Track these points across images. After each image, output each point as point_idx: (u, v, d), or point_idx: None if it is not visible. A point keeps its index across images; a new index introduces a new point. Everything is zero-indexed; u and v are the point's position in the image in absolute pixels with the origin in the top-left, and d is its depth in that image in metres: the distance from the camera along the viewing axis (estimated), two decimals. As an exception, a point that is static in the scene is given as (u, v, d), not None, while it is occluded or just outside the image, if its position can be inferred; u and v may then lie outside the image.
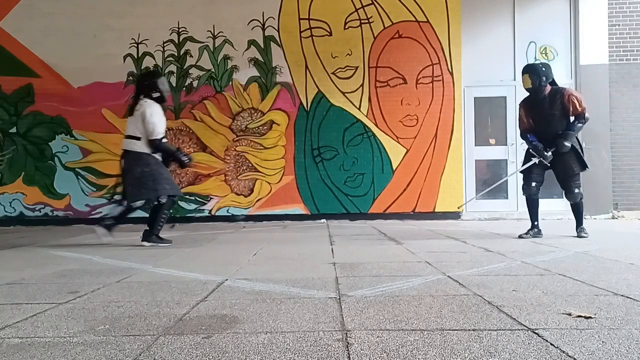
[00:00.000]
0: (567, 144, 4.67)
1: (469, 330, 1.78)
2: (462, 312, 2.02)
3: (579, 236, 4.79)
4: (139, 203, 4.62)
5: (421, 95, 7.64)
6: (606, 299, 2.22)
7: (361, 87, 7.65)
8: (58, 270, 3.28)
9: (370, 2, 7.66)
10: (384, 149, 7.61)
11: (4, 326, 1.95)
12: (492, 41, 7.76)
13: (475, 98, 7.82)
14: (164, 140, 4.62)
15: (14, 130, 7.71)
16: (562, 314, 1.98)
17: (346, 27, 7.67)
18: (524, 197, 5.08)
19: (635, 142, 7.68)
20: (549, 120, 4.76)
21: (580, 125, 4.74)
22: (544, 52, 7.74)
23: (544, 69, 4.79)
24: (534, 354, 1.53)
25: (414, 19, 7.63)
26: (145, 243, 4.66)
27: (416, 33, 7.64)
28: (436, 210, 7.56)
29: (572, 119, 4.75)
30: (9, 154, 7.71)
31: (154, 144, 4.52)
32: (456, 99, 7.62)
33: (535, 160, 4.86)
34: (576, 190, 4.78)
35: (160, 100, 4.62)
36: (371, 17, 7.66)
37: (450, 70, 7.61)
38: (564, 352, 1.54)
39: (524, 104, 5.01)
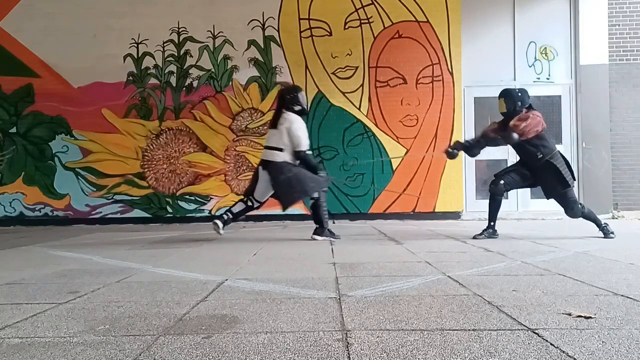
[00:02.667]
0: (488, 145, 4.86)
1: (469, 330, 1.79)
2: (462, 312, 2.02)
3: (606, 237, 4.72)
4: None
5: (421, 95, 7.63)
6: (606, 299, 2.22)
7: (361, 87, 7.65)
8: (58, 270, 3.28)
9: (370, 2, 7.66)
10: (384, 149, 7.61)
11: (4, 326, 1.95)
12: (492, 41, 7.76)
13: (475, 98, 7.82)
14: (308, 152, 4.95)
15: (14, 130, 7.71)
16: (562, 314, 1.98)
17: (346, 27, 7.67)
18: (489, 193, 5.00)
19: (635, 142, 7.68)
20: (521, 145, 4.74)
21: (506, 136, 4.66)
22: (544, 52, 7.75)
23: (519, 94, 4.77)
24: (534, 354, 1.53)
25: (414, 19, 7.63)
26: (317, 237, 4.92)
27: (416, 33, 7.64)
28: (436, 210, 7.56)
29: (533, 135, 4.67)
30: (9, 154, 7.71)
31: (299, 155, 4.84)
32: (456, 99, 7.62)
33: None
34: (573, 207, 4.74)
35: (301, 113, 4.91)
36: (371, 17, 7.66)
37: (450, 70, 7.61)
38: (564, 352, 1.54)
39: (500, 122, 4.96)
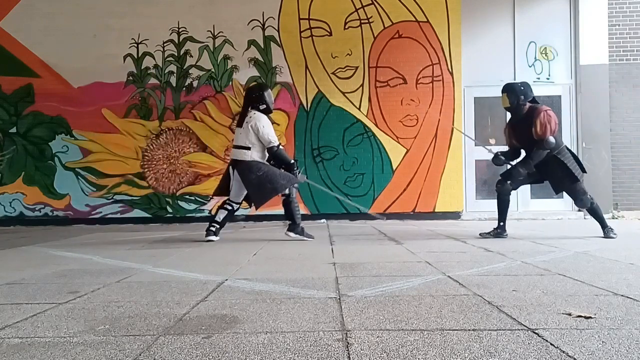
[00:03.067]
0: (522, 169, 4.73)
1: (469, 330, 1.79)
2: (462, 312, 2.02)
3: (606, 236, 4.71)
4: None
5: (421, 95, 7.63)
6: (606, 299, 2.22)
7: (361, 87, 7.65)
8: (58, 270, 3.28)
9: (370, 2, 7.66)
10: (384, 149, 7.61)
11: (4, 326, 1.95)
12: (492, 41, 7.76)
13: (475, 98, 7.82)
14: (281, 147, 4.95)
15: (14, 130, 7.71)
16: (562, 314, 1.98)
17: (346, 27, 7.67)
18: (492, 193, 5.06)
19: (635, 142, 7.68)
20: (525, 140, 4.73)
21: (540, 151, 4.64)
22: (544, 52, 7.74)
23: (522, 87, 4.74)
24: (534, 354, 1.53)
25: (414, 19, 7.63)
26: (290, 234, 4.95)
27: (416, 33, 7.64)
28: (436, 211, 7.56)
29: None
30: (9, 154, 7.71)
31: (272, 152, 4.85)
32: (456, 99, 7.62)
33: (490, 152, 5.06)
34: (582, 197, 4.74)
35: (266, 112, 4.95)
36: (371, 17, 7.66)
37: (450, 70, 7.61)
38: (564, 352, 1.54)
39: (509, 123, 5.00)
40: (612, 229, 4.81)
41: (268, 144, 4.81)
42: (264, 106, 4.92)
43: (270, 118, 5.04)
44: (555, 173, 4.72)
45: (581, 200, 4.76)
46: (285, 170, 4.93)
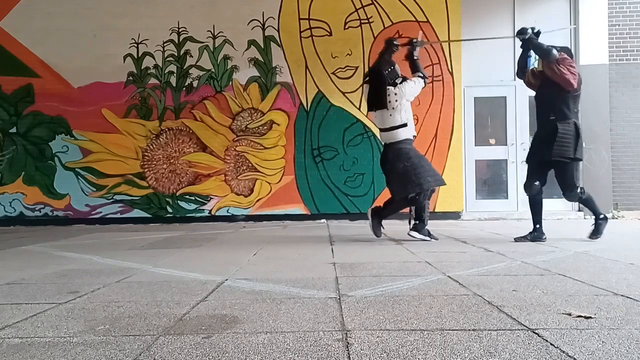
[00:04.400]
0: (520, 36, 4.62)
1: (469, 330, 1.78)
2: (462, 312, 2.02)
3: (593, 234, 4.56)
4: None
5: (421, 95, 7.55)
6: (606, 299, 2.22)
7: (361, 87, 7.63)
8: (58, 270, 3.28)
9: (370, 2, 7.66)
10: (384, 149, 7.60)
11: (4, 326, 1.95)
12: (492, 41, 7.75)
13: (475, 98, 7.82)
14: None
15: (14, 130, 7.70)
16: (562, 314, 1.98)
17: (346, 27, 7.67)
18: (527, 196, 4.78)
19: (635, 142, 7.68)
20: (547, 94, 4.55)
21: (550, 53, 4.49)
22: (544, 52, 7.73)
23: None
24: (534, 354, 1.53)
25: (414, 19, 7.63)
26: (414, 234, 4.69)
27: (416, 33, 7.59)
28: (436, 211, 7.56)
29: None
30: (9, 154, 7.70)
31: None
32: (456, 99, 7.62)
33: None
34: (572, 189, 4.50)
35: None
36: (371, 17, 7.66)
37: (450, 70, 7.61)
38: (564, 352, 1.54)
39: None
40: (606, 218, 4.61)
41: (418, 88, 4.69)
42: (400, 79, 4.69)
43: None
44: (554, 144, 4.39)
45: (570, 190, 4.49)
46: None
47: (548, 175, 4.71)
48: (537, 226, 4.64)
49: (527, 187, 4.69)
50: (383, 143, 4.83)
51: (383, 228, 4.95)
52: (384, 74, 4.68)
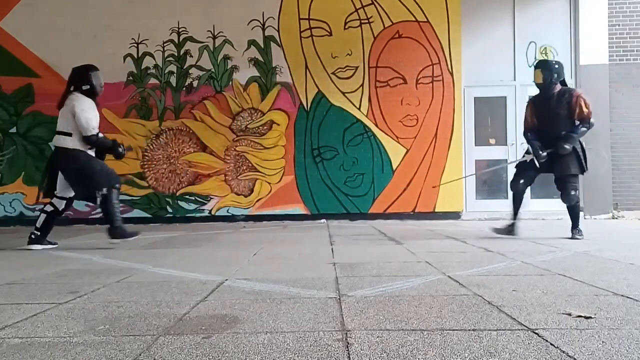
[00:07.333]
0: (567, 146, 4.60)
1: (469, 330, 1.78)
2: (462, 312, 2.02)
3: (572, 237, 4.71)
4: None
5: (421, 95, 7.63)
6: (606, 299, 2.22)
7: (361, 87, 7.64)
8: (58, 270, 3.28)
9: (370, 2, 7.66)
10: (384, 149, 7.61)
11: (4, 326, 1.95)
12: (492, 41, 7.75)
13: (475, 98, 7.81)
14: (100, 135, 4.47)
15: (14, 130, 7.71)
16: (562, 314, 1.98)
17: (346, 27, 7.67)
18: (511, 192, 5.06)
19: (635, 142, 7.67)
20: (554, 119, 4.70)
21: (584, 129, 4.68)
22: (544, 52, 7.74)
23: (556, 66, 4.77)
24: (534, 354, 1.53)
25: (414, 19, 7.63)
26: (114, 240, 4.46)
27: (416, 33, 7.64)
28: (436, 210, 7.56)
29: (577, 122, 4.68)
30: (9, 154, 7.70)
31: (91, 140, 4.37)
32: (456, 99, 7.62)
33: (527, 157, 4.85)
34: (572, 193, 4.70)
35: (90, 93, 4.44)
36: (371, 17, 7.66)
37: (450, 70, 7.61)
38: (564, 352, 1.54)
39: (532, 101, 4.97)
40: (580, 230, 4.78)
41: (85, 130, 4.30)
42: (87, 87, 4.40)
43: (95, 102, 4.52)
44: (568, 160, 4.67)
45: (569, 194, 4.70)
46: (109, 153, 4.55)
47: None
48: (514, 221, 4.92)
49: (515, 183, 4.94)
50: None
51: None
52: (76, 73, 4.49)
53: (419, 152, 7.60)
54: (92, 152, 4.54)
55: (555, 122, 4.71)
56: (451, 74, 7.61)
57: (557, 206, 7.44)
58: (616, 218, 7.32)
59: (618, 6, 7.72)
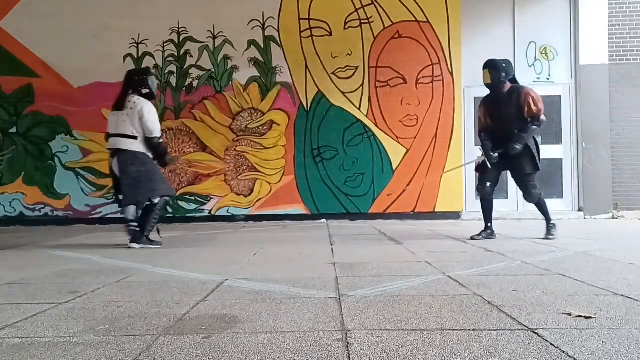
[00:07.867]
0: (518, 146, 4.53)
1: (469, 330, 1.78)
2: (462, 312, 2.02)
3: (545, 237, 4.65)
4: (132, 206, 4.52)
5: (421, 95, 7.63)
6: (606, 299, 2.22)
7: (361, 87, 7.64)
8: (58, 270, 3.28)
9: (370, 2, 7.66)
10: (384, 149, 7.61)
11: (4, 326, 1.95)
12: (492, 41, 7.75)
13: (475, 98, 7.80)
14: (161, 140, 4.62)
15: (14, 130, 7.70)
16: (562, 314, 1.98)
17: (346, 27, 7.67)
18: (479, 197, 4.99)
19: (635, 142, 7.67)
20: (506, 118, 4.63)
21: (534, 127, 4.58)
22: (544, 52, 7.74)
23: (504, 65, 4.69)
24: (534, 354, 1.53)
25: (414, 19, 7.63)
26: (134, 245, 4.41)
27: (416, 33, 7.64)
28: (436, 211, 7.56)
29: (529, 120, 4.59)
30: (9, 154, 7.70)
31: (152, 143, 4.48)
32: (456, 99, 7.62)
33: (479, 158, 4.83)
34: (533, 191, 4.66)
35: (149, 97, 4.57)
36: (371, 17, 7.66)
37: (450, 70, 7.61)
38: (564, 352, 1.54)
39: (484, 102, 4.91)
40: (555, 225, 4.74)
41: (150, 132, 4.42)
42: (147, 91, 4.54)
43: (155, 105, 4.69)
44: (522, 159, 4.62)
45: (530, 193, 4.67)
46: (160, 158, 4.62)
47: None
48: (489, 224, 4.85)
49: (482, 186, 4.88)
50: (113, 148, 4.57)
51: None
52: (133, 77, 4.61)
53: (419, 152, 7.60)
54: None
55: (507, 122, 4.63)
56: (451, 74, 7.61)
57: (557, 206, 7.47)
58: (616, 218, 7.32)
59: (618, 6, 7.72)
